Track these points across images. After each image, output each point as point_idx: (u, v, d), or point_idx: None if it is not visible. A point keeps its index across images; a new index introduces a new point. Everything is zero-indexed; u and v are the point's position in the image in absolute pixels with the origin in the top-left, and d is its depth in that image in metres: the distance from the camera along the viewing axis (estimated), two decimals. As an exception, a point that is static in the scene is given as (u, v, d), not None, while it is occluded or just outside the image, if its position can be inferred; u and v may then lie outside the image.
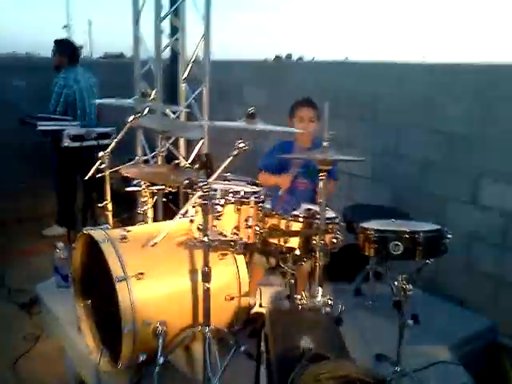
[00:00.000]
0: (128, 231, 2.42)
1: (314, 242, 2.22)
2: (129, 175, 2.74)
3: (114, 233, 2.37)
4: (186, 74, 3.99)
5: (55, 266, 3.26)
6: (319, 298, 2.17)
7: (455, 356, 2.58)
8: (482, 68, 3.43)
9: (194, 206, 2.46)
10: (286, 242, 2.32)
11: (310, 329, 1.74)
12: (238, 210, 2.20)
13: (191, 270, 2.36)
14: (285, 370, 1.49)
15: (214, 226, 2.16)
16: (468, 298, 3.28)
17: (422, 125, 3.64)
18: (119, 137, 2.97)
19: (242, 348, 2.22)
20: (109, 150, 2.98)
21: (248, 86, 5.27)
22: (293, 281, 2.65)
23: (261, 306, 3.01)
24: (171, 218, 3.50)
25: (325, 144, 2.10)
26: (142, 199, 2.90)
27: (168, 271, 2.35)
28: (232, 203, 2.19)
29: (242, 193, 2.24)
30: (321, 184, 2.14)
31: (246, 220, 2.22)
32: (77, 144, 4.33)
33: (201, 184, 1.93)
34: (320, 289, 2.18)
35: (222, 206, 2.14)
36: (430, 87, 3.62)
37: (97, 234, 2.35)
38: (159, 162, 3.67)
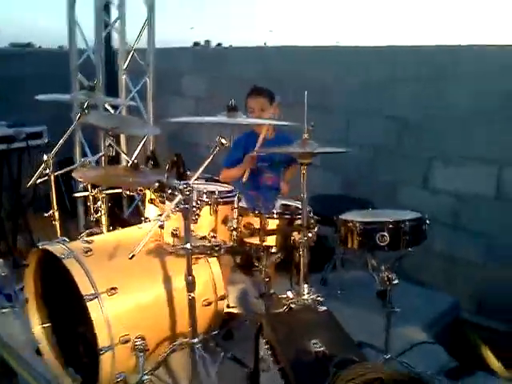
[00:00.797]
0: (90, 242, 2.21)
1: (295, 238, 2.15)
2: (81, 179, 2.50)
3: (76, 246, 2.15)
4: (126, 64, 3.72)
5: (-5, 285, 2.94)
6: (306, 296, 2.11)
7: (429, 335, 2.64)
8: (428, 51, 3.50)
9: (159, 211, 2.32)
10: (263, 241, 2.22)
11: (313, 330, 1.67)
12: (215, 211, 2.07)
13: (165, 279, 2.20)
14: (303, 376, 1.42)
15: (192, 231, 2.01)
16: (426, 278, 3.39)
17: (372, 111, 3.68)
18: (65, 136, 2.70)
19: (229, 354, 2.11)
20: (54, 152, 2.70)
21: (187, 75, 5.07)
22: (268, 279, 2.58)
23: (228, 306, 2.91)
24: (117, 223, 3.33)
25: (305, 136, 2.02)
26: (94, 205, 2.66)
27: (141, 282, 2.17)
28: (209, 204, 2.05)
29: (217, 193, 2.11)
30: (302, 179, 2.06)
31: (224, 221, 2.10)
32: (3, 146, 3.93)
33: (181, 187, 1.78)
34: (306, 286, 2.12)
35: (199, 208, 2.00)
36: (377, 72, 3.65)
37: (56, 248, 2.11)
38: (103, 163, 3.43)
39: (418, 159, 3.48)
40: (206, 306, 2.30)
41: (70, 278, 2.07)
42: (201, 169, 1.83)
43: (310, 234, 2.25)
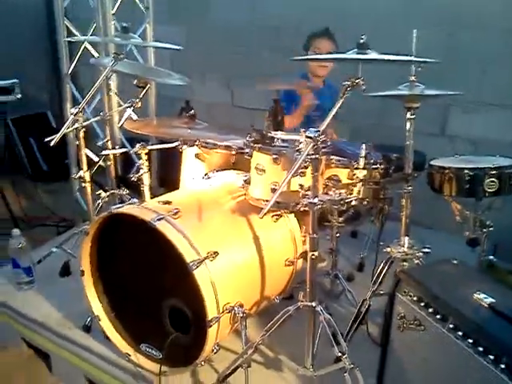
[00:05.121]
0: (169, 203, 1.93)
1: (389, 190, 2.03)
2: (140, 131, 2.17)
3: (160, 208, 1.87)
4: (116, 8, 3.23)
5: (12, 258, 2.54)
6: (405, 248, 2.03)
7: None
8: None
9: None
10: (350, 194, 2.07)
11: (466, 282, 1.59)
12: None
13: (254, 238, 2.01)
14: (491, 332, 1.36)
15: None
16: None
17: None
18: (95, 87, 2.31)
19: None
20: (82, 104, 2.31)
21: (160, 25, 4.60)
22: (338, 234, 2.46)
23: None
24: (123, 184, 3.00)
25: (412, 78, 1.87)
26: (141, 162, 2.33)
27: (236, 243, 1.97)
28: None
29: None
30: (408, 125, 1.92)
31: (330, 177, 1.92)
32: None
33: (312, 135, 1.57)
34: (407, 238, 2.03)
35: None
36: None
37: (141, 211, 1.83)
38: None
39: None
40: (288, 266, 2.14)
41: (151, 244, 1.83)
42: (331, 115, 1.62)
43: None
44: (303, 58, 2.67)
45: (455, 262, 1.73)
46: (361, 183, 1.94)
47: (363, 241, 3.09)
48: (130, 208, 1.86)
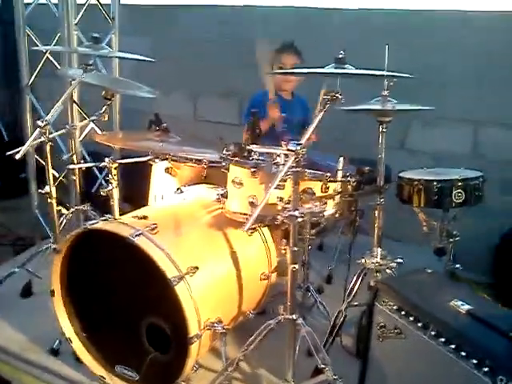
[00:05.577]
0: (145, 218, 1.89)
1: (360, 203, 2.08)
2: (112, 145, 2.12)
3: (137, 223, 1.83)
4: (78, 18, 3.13)
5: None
6: (379, 259, 2.08)
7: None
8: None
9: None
10: (325, 206, 2.09)
11: (441, 291, 1.64)
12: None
13: (231, 252, 2.00)
14: (472, 337, 1.41)
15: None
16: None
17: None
18: (64, 98, 2.24)
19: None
20: (49, 116, 2.24)
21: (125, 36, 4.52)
22: (310, 247, 2.48)
23: None
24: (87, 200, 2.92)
25: (385, 93, 1.93)
26: (110, 177, 2.26)
27: (214, 258, 1.95)
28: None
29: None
30: (380, 138, 1.98)
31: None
32: None
33: (294, 148, 1.58)
34: (379, 249, 2.08)
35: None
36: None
37: (117, 227, 1.78)
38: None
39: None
40: (263, 280, 2.14)
41: (127, 261, 1.79)
42: (311, 128, 1.65)
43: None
44: (277, 72, 2.70)
45: (429, 271, 1.78)
46: (338, 196, 1.98)
47: (329, 253, 3.14)
48: (107, 223, 1.81)
